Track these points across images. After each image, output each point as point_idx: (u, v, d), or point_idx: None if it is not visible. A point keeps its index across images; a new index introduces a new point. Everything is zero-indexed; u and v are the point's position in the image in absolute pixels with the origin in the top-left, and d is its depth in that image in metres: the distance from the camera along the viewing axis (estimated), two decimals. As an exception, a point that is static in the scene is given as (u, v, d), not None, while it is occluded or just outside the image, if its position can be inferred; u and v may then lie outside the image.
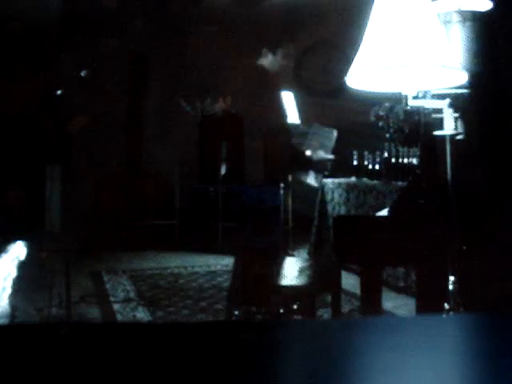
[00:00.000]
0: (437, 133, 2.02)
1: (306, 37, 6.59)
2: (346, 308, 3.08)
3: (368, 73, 1.90)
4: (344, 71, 1.92)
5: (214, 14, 6.61)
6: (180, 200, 6.37)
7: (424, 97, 1.99)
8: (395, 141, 4.32)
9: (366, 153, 4.52)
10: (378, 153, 4.43)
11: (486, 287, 2.12)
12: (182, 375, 0.65)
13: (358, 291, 2.49)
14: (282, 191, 5.15)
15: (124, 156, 6.75)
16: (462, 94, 2.08)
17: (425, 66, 1.83)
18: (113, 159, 6.52)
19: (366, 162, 4.50)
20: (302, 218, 5.05)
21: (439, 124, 2.01)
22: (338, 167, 4.89)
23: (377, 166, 4.41)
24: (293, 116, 4.89)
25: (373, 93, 2.07)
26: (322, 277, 2.60)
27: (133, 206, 6.23)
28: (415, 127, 4.04)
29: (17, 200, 6.05)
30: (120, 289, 4.21)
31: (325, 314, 2.90)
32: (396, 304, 3.40)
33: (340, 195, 4.65)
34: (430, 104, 2.03)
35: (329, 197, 4.79)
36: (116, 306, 3.73)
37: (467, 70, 1.94)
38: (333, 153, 3.82)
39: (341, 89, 2.50)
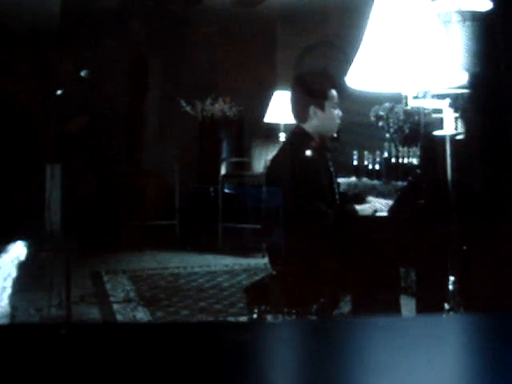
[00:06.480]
0: (437, 133, 2.02)
1: (306, 37, 6.59)
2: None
3: (368, 73, 1.90)
4: (344, 71, 1.92)
5: (214, 14, 6.61)
6: (180, 200, 6.37)
7: (424, 97, 1.98)
8: (395, 141, 4.32)
9: (365, 153, 4.52)
10: (377, 153, 4.43)
11: (486, 287, 2.12)
12: (182, 375, 0.65)
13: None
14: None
15: (124, 156, 6.75)
16: (461, 93, 2.08)
17: (425, 66, 1.83)
18: (113, 159, 6.52)
19: (366, 162, 4.49)
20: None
21: (439, 124, 2.00)
22: (338, 167, 4.89)
23: (377, 166, 4.41)
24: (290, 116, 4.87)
25: (373, 93, 2.07)
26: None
27: (133, 206, 6.23)
28: (415, 127, 4.05)
29: (17, 200, 6.05)
30: (120, 289, 4.21)
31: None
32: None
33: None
34: (430, 104, 2.02)
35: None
36: (116, 306, 3.73)
37: (467, 70, 1.94)
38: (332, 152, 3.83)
39: (341, 89, 2.50)
